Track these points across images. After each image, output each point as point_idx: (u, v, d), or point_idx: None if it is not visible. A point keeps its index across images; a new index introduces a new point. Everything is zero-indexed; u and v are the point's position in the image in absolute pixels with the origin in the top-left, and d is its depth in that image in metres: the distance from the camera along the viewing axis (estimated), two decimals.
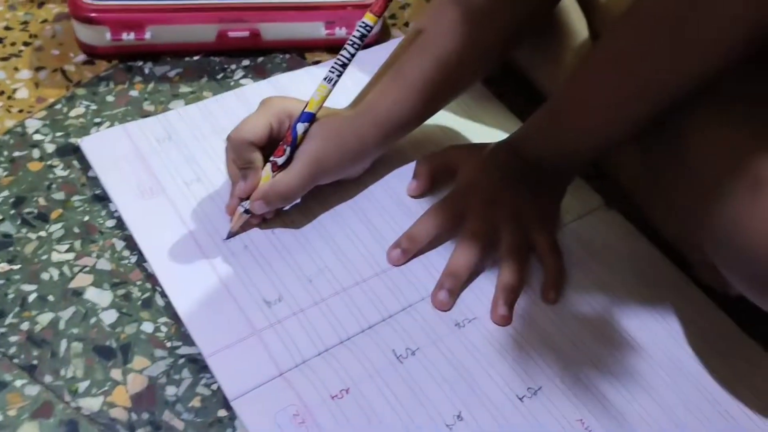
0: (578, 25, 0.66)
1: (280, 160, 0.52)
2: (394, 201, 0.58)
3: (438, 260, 0.54)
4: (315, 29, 0.70)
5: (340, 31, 0.70)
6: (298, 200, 0.55)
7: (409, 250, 0.54)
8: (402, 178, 0.60)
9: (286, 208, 0.56)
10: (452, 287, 0.52)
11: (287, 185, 0.52)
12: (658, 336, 0.52)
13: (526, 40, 0.61)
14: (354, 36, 0.52)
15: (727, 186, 0.44)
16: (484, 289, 0.53)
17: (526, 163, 0.56)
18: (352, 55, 0.52)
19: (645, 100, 0.50)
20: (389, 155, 0.61)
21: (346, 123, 0.54)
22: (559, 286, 0.54)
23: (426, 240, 0.54)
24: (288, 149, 0.52)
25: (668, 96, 0.49)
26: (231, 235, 0.54)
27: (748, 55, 0.46)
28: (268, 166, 0.52)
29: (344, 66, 0.52)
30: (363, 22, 0.51)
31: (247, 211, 0.53)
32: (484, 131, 0.65)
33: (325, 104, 0.53)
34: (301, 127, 0.52)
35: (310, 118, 0.52)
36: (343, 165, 0.54)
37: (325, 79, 0.52)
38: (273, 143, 0.52)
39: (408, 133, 0.59)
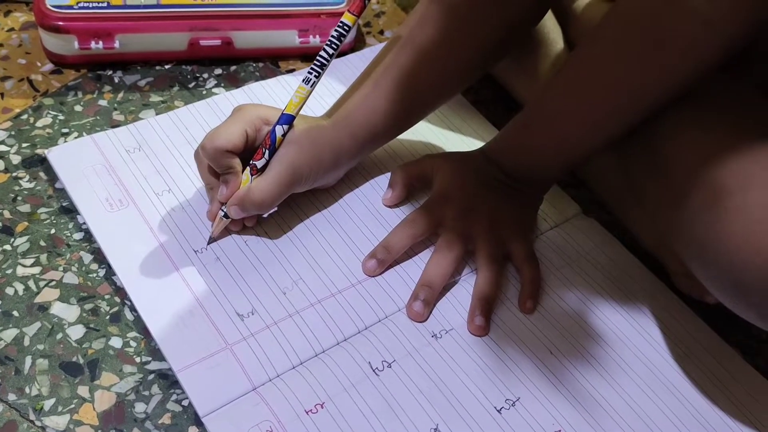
0: (554, 34, 0.66)
1: (260, 164, 0.51)
2: (370, 211, 0.57)
3: (414, 270, 0.53)
4: (288, 37, 0.69)
5: (314, 40, 0.69)
6: (275, 209, 0.54)
7: (384, 260, 0.53)
8: (377, 187, 0.59)
9: (265, 216, 0.55)
10: (427, 297, 0.51)
11: (262, 192, 0.51)
12: (635, 344, 0.52)
13: (507, 53, 0.60)
14: (332, 36, 0.51)
15: (699, 194, 0.44)
16: (461, 299, 0.53)
17: (502, 172, 0.55)
18: (331, 56, 0.51)
19: (616, 111, 0.49)
20: (364, 164, 0.60)
21: (322, 133, 0.53)
22: (536, 295, 0.53)
23: (401, 250, 0.53)
24: (267, 152, 0.51)
25: (640, 108, 0.49)
26: (212, 240, 0.53)
27: (723, 64, 0.46)
28: (248, 170, 0.51)
29: (323, 67, 0.51)
30: (341, 22, 0.51)
31: (227, 216, 0.52)
32: (460, 140, 0.64)
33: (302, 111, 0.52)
34: (280, 130, 0.51)
35: (290, 121, 0.51)
36: (318, 174, 0.54)
37: (303, 80, 0.51)
38: (248, 150, 0.51)
39: (385, 143, 0.58)
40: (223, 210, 0.52)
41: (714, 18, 0.43)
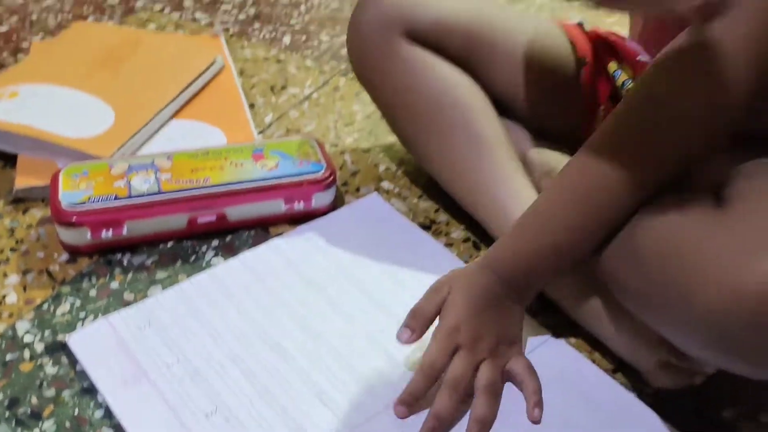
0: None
1: None
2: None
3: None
4: (276, 206, 0.77)
5: (298, 205, 0.77)
6: None
7: (414, 409, 0.57)
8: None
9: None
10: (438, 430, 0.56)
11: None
12: None
13: None
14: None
15: (676, 258, 0.51)
16: (461, 421, 0.57)
17: (500, 282, 0.60)
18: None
19: (605, 225, 0.58)
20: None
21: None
22: (542, 403, 0.58)
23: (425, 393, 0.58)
24: None
25: (624, 216, 0.57)
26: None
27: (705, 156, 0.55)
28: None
29: None
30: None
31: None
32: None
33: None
34: None
35: None
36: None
37: None
38: None
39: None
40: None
41: (699, 117, 0.54)
